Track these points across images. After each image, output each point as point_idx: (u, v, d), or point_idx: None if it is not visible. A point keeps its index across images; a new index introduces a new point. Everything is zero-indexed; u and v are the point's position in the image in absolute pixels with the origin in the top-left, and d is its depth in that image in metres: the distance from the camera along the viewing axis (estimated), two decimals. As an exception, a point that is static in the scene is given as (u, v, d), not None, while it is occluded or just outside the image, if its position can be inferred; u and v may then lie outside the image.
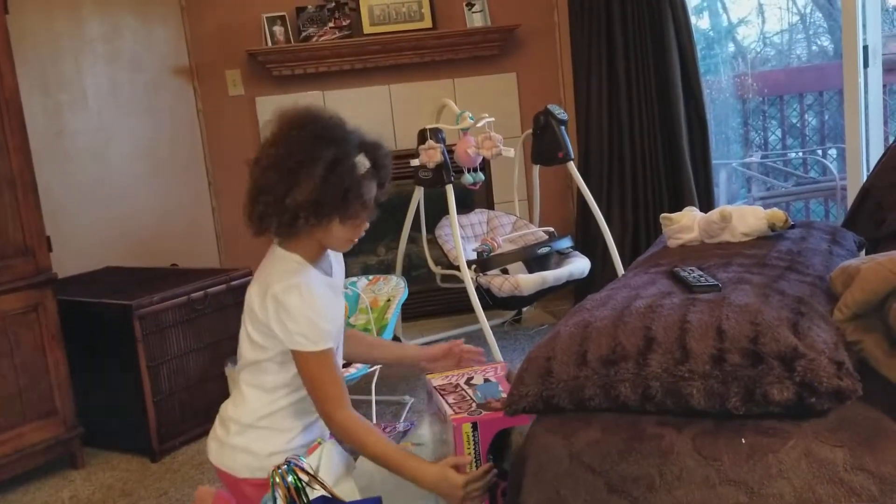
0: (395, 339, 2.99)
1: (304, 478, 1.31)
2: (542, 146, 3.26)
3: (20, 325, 2.46)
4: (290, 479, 1.30)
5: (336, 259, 1.58)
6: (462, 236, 3.17)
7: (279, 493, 1.29)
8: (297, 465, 1.33)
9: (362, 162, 1.38)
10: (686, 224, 1.94)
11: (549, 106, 3.23)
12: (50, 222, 2.60)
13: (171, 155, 3.70)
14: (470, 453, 1.37)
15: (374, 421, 2.38)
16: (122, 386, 2.64)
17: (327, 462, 1.40)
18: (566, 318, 1.48)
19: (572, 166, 3.21)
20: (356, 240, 1.47)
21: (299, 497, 1.30)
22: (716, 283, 1.43)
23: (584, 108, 3.71)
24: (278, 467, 1.32)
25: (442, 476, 1.35)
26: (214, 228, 3.87)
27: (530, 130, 3.30)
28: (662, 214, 2.05)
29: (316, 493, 1.32)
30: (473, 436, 1.36)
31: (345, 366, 2.23)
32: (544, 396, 1.30)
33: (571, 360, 1.29)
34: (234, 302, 2.87)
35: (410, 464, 1.38)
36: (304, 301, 1.37)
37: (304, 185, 1.34)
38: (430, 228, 3.33)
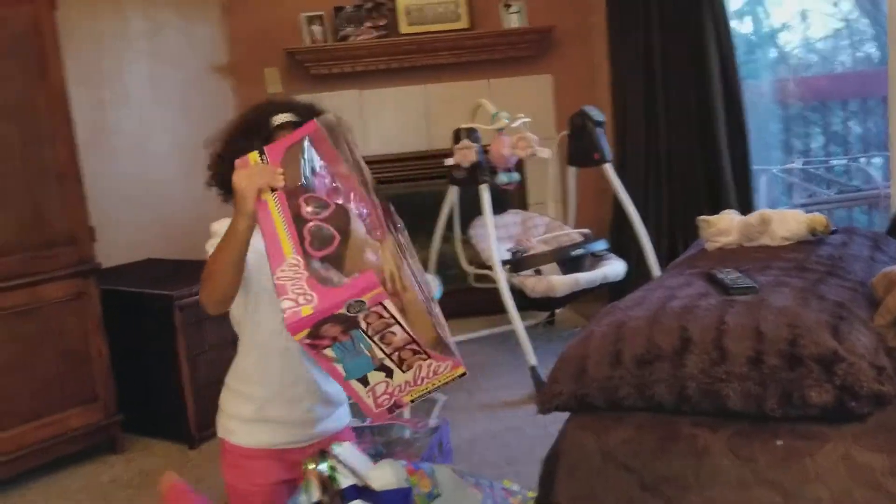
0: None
1: (335, 464, 1.33)
2: (578, 148, 3.24)
3: (64, 313, 2.53)
4: (323, 465, 1.32)
5: None
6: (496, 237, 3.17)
7: (313, 481, 1.31)
8: (328, 454, 1.35)
9: (283, 115, 1.47)
10: (724, 227, 1.92)
11: (585, 107, 3.22)
12: (93, 213, 2.66)
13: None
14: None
15: (408, 416, 2.39)
16: (162, 374, 2.70)
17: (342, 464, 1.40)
18: (599, 317, 1.48)
19: (609, 168, 3.20)
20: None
21: (331, 484, 1.32)
22: (753, 284, 1.41)
23: (621, 110, 3.69)
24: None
25: (236, 195, 1.29)
26: (251, 224, 3.92)
27: (566, 132, 3.29)
28: (700, 217, 2.03)
29: (347, 481, 1.34)
30: (262, 159, 1.32)
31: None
32: (578, 395, 1.30)
33: (606, 359, 1.29)
34: (269, 296, 2.91)
35: (228, 232, 1.34)
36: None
37: (223, 130, 1.52)
38: (464, 230, 3.34)
